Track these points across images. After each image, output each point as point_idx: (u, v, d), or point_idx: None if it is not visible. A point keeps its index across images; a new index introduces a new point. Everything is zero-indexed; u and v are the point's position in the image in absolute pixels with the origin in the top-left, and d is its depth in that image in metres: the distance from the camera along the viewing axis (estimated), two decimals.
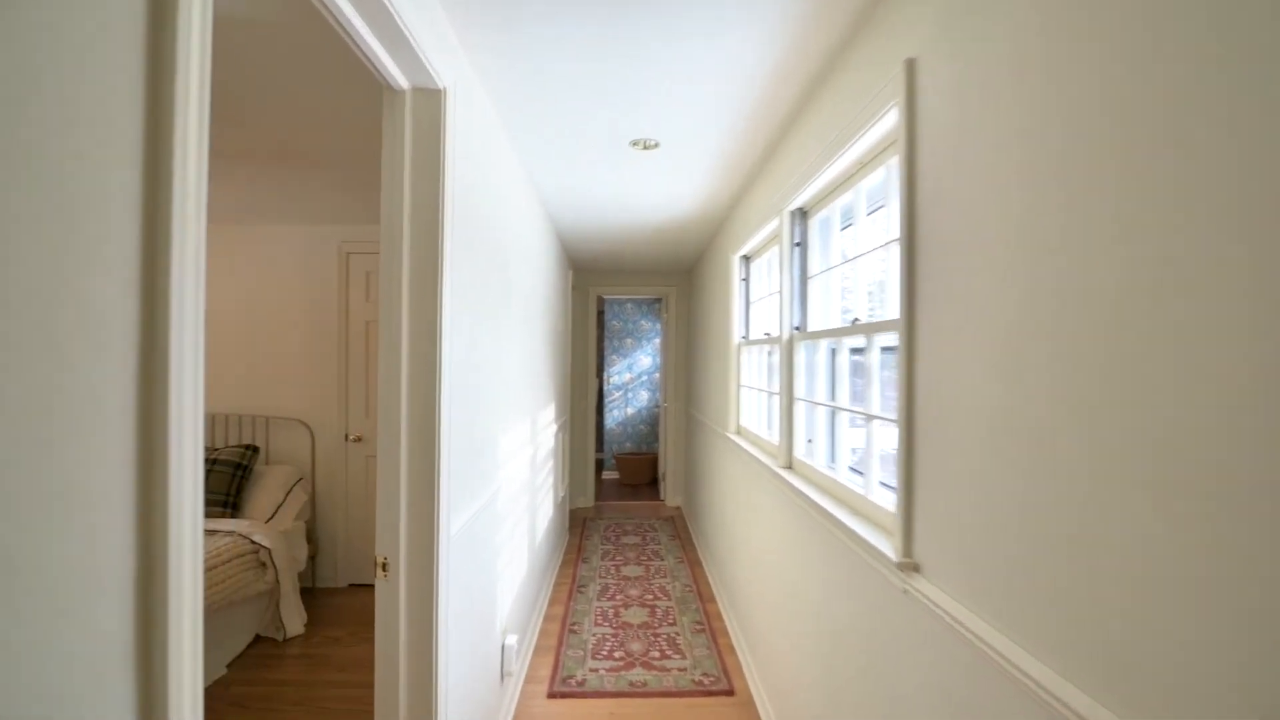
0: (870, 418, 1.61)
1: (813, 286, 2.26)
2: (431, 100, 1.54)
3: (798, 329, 2.32)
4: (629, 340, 7.42)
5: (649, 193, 3.08)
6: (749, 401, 3.27)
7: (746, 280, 3.39)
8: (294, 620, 3.24)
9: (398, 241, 1.52)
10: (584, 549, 4.63)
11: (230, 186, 3.04)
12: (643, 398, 7.42)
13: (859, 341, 1.81)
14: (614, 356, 7.41)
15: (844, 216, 2.06)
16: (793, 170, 2.23)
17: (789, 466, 2.31)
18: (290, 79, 1.88)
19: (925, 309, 1.25)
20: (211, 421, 3.86)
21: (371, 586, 3.88)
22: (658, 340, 7.42)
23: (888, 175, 1.60)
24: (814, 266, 2.26)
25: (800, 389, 2.28)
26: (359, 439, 3.88)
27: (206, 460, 3.39)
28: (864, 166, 1.74)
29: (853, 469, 1.86)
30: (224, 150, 2.53)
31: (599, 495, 6.35)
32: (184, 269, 0.66)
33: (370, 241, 3.89)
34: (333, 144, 2.48)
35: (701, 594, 3.73)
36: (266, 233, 3.90)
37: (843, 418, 1.89)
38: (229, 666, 2.90)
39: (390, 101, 1.52)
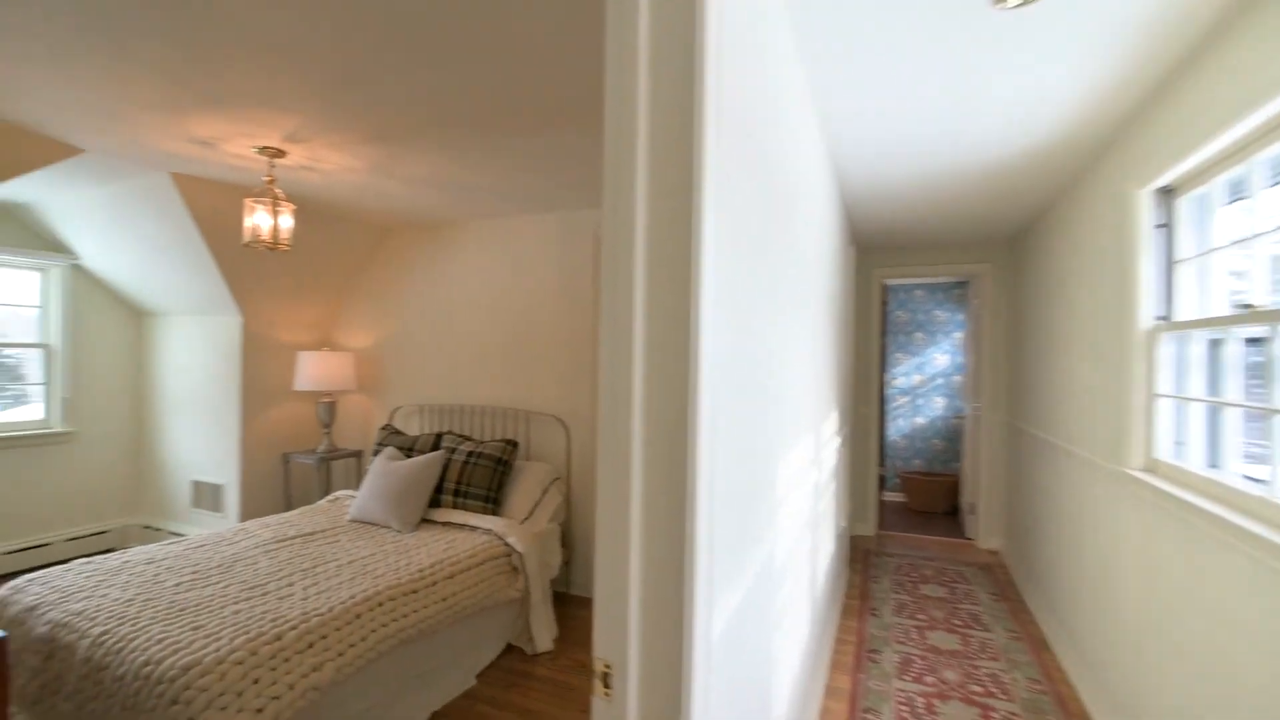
0: None
1: None
2: None
3: None
4: (919, 335, 6.10)
5: (997, 97, 2.06)
6: (1173, 420, 2.02)
7: (1168, 226, 2.12)
8: (543, 634, 2.98)
9: (627, 154, 0.90)
10: (870, 594, 3.67)
11: (493, 176, 2.89)
12: (937, 405, 6.03)
13: None
14: (899, 354, 6.15)
15: None
16: None
17: None
18: (538, 33, 1.44)
19: None
20: (481, 415, 3.90)
21: None
22: (959, 334, 5.95)
23: None
24: None
25: None
26: None
27: (470, 454, 3.35)
28: None
29: None
30: (486, 125, 2.28)
31: (882, 522, 5.24)
32: None
33: None
34: (582, 105, 2.05)
35: (1064, 703, 2.52)
36: (523, 223, 3.81)
37: None
38: (479, 677, 2.72)
39: None
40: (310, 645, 2.03)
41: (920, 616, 3.36)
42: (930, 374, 6.05)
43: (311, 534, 3.00)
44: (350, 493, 3.62)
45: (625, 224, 0.91)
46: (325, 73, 1.93)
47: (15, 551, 3.71)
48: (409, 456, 3.49)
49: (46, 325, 3.94)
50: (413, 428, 4.12)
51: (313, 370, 3.98)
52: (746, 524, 1.20)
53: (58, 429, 3.91)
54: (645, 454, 0.86)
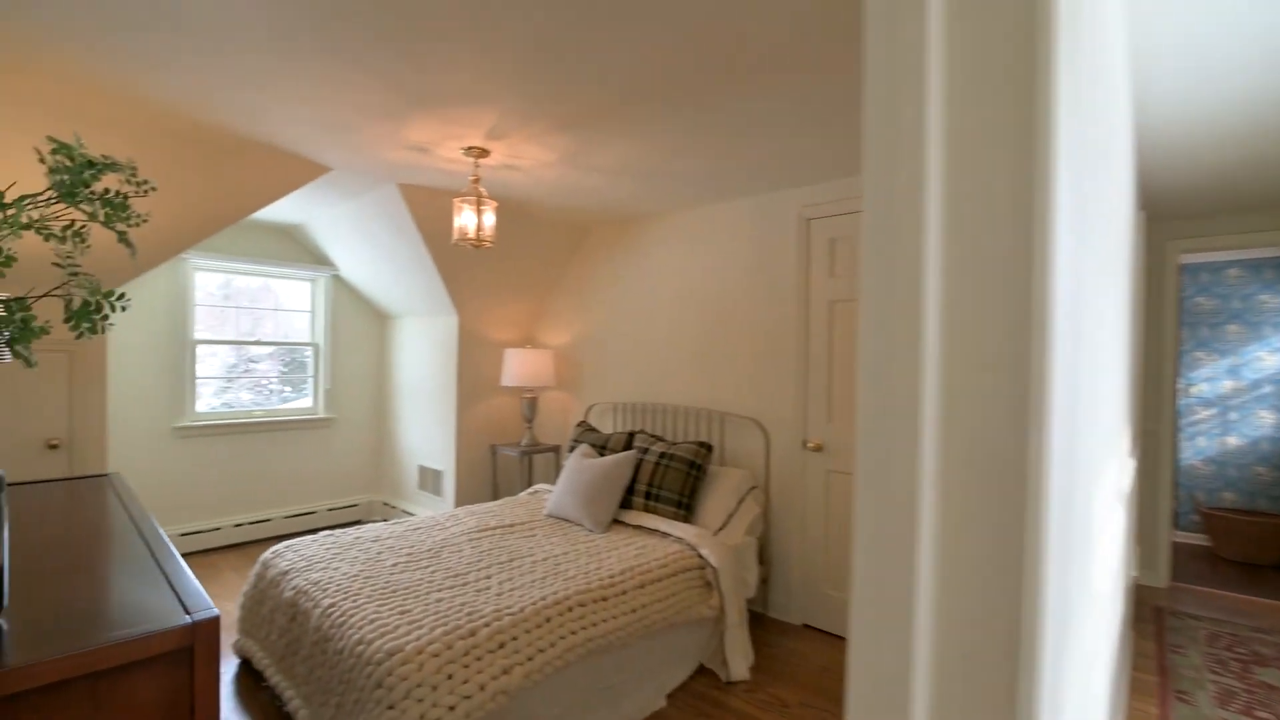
0: None
1: None
2: None
3: None
4: (1232, 327, 4.64)
5: None
6: None
7: None
8: (739, 661, 2.68)
9: (914, 34, 0.56)
10: (1171, 669, 2.77)
11: (684, 159, 2.67)
12: (1262, 421, 4.52)
13: None
14: (1199, 353, 4.75)
15: None
16: None
17: None
18: None
19: None
20: (673, 415, 3.72)
21: (831, 636, 3.07)
22: None
23: None
24: None
25: None
26: (818, 447, 3.12)
27: (662, 455, 3.18)
28: None
29: None
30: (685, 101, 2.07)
31: (1175, 571, 4.04)
32: None
33: (835, 201, 3.08)
34: (794, 49, 1.72)
35: None
36: (716, 211, 3.54)
37: None
38: (668, 698, 2.51)
39: None
40: (501, 645, 1.98)
41: (1262, 715, 2.41)
42: (1251, 379, 4.56)
43: (511, 526, 3.05)
44: (548, 486, 3.68)
45: (907, 176, 0.56)
46: (515, 55, 1.85)
47: (290, 517, 4.41)
48: (602, 454, 3.44)
49: (314, 327, 4.64)
50: (606, 425, 4.09)
51: (517, 367, 4.15)
52: (1077, 597, 0.77)
53: (322, 415, 4.58)
54: (941, 495, 0.51)
